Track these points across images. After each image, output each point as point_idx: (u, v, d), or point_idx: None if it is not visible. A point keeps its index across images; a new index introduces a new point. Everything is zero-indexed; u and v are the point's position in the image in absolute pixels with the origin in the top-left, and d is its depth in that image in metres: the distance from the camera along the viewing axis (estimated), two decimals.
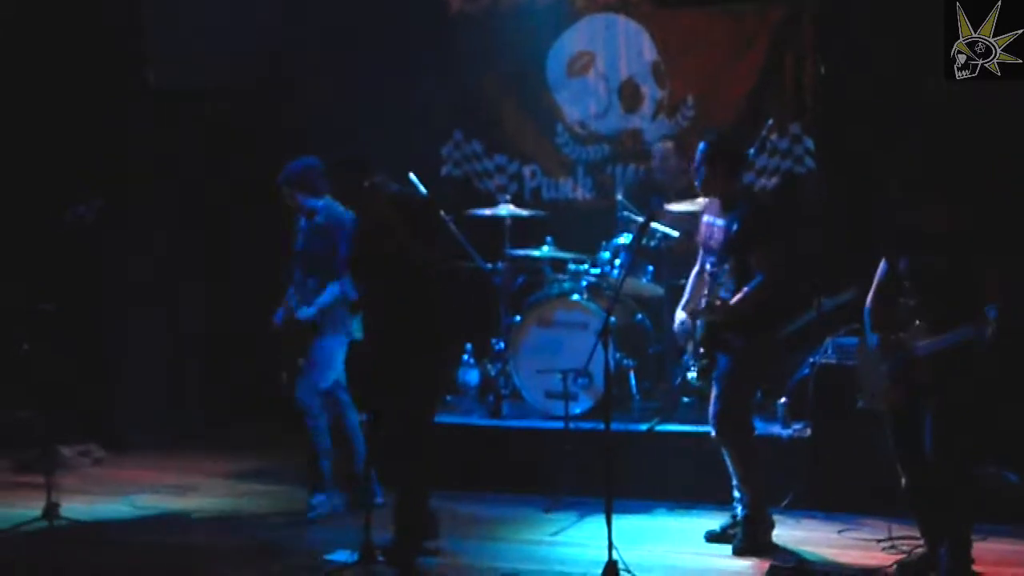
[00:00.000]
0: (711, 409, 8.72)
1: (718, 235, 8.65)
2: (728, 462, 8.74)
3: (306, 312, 9.58)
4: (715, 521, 9.01)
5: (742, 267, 8.53)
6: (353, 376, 9.62)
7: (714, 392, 8.70)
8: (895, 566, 8.21)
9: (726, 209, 8.65)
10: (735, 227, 8.53)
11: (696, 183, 8.81)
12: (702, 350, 8.74)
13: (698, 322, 8.73)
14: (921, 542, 8.25)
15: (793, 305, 10.14)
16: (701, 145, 8.79)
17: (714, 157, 8.65)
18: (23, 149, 11.94)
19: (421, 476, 8.54)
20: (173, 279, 12.89)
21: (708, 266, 8.76)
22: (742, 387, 8.74)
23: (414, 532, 8.49)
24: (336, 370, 9.74)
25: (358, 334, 9.56)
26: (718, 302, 8.51)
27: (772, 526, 8.79)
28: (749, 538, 8.67)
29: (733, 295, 8.51)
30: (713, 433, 8.73)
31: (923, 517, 8.09)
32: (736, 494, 8.85)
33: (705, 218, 8.87)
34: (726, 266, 8.56)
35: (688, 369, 8.91)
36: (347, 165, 8.43)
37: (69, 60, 12.09)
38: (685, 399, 10.70)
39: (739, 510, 8.84)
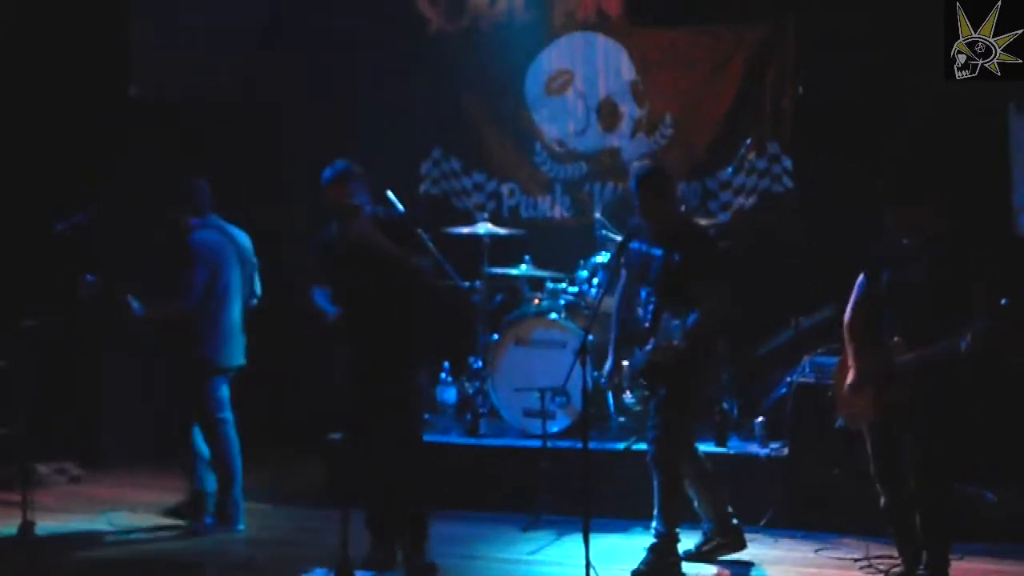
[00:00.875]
0: (649, 435, 8.67)
1: (655, 265, 8.55)
2: (655, 486, 8.68)
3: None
4: (691, 540, 9.00)
5: (681, 300, 8.43)
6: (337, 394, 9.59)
7: (654, 420, 8.65)
8: None
9: (663, 238, 8.54)
10: (676, 259, 8.44)
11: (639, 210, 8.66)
12: (643, 381, 8.73)
13: (635, 351, 8.71)
14: (898, 561, 8.27)
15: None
16: (632, 170, 8.77)
17: (642, 183, 8.57)
18: (2, 160, 11.90)
19: (422, 490, 8.59)
20: (153, 295, 12.83)
21: (641, 296, 8.73)
22: (683, 416, 8.70)
23: (424, 550, 8.59)
24: None
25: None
26: (664, 343, 8.40)
27: (678, 561, 8.73)
28: (651, 566, 8.58)
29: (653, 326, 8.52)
30: (649, 457, 8.69)
31: (902, 535, 8.10)
32: (700, 513, 8.87)
33: (634, 245, 8.68)
34: (662, 298, 8.53)
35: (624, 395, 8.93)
36: (336, 175, 8.45)
37: (58, 70, 12.05)
38: None
39: (707, 527, 8.87)
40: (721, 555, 8.90)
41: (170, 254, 9.94)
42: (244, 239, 10.07)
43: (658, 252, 8.51)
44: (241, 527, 9.81)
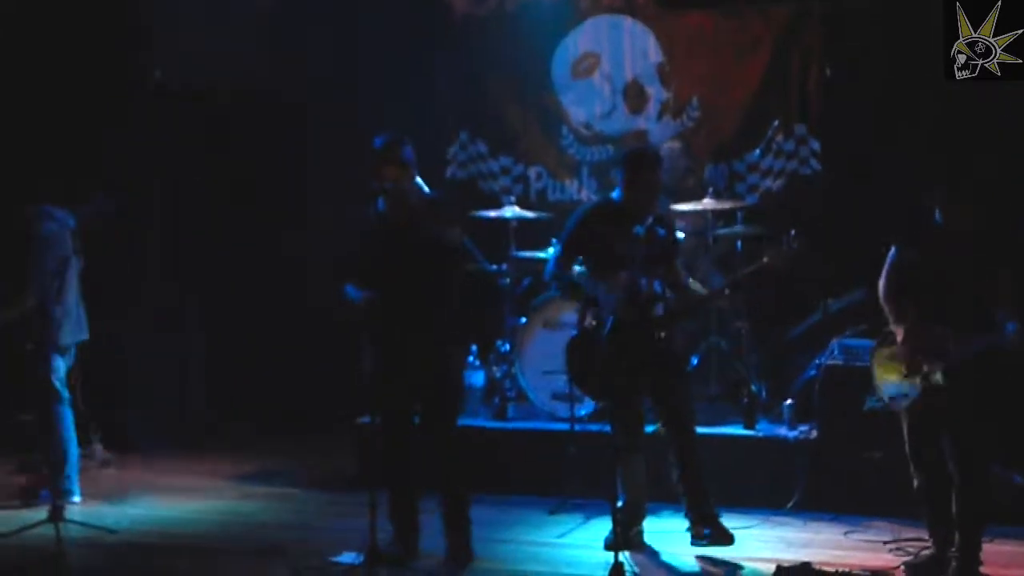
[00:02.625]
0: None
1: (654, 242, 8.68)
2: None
3: None
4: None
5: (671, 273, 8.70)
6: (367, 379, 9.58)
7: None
8: (902, 567, 8.21)
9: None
10: (662, 233, 8.68)
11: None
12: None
13: None
14: (928, 543, 8.25)
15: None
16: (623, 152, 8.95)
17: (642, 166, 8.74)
18: (27, 148, 11.91)
19: (463, 473, 8.59)
20: (178, 281, 12.88)
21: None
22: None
23: (467, 531, 8.58)
24: None
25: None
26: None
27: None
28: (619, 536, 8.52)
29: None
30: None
31: (933, 518, 8.08)
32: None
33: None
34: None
35: None
36: (383, 147, 8.41)
37: (75, 60, 12.07)
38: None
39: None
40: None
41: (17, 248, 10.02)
42: (71, 220, 10.12)
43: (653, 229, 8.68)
44: (76, 499, 10.09)
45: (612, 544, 8.30)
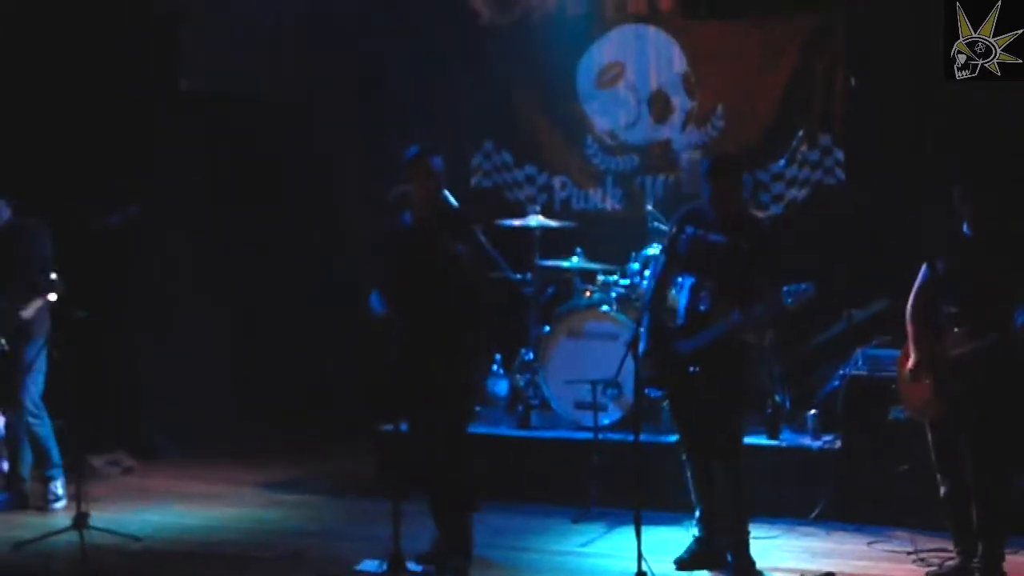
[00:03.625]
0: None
1: (717, 252, 8.38)
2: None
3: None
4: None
5: (739, 288, 8.31)
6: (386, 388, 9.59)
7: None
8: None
9: (728, 226, 8.39)
10: (744, 248, 8.31)
11: (708, 197, 8.47)
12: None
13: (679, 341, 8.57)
14: (952, 554, 8.25)
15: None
16: (705, 161, 8.73)
17: (719, 169, 8.46)
18: (52, 153, 11.95)
19: (465, 485, 8.56)
20: (201, 287, 12.91)
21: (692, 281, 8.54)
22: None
23: (465, 541, 8.50)
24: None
25: None
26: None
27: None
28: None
29: (716, 314, 8.34)
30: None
31: (958, 528, 8.07)
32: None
33: (689, 230, 8.47)
34: (721, 285, 8.37)
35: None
36: (411, 159, 8.45)
37: (100, 64, 12.10)
38: None
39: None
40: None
41: None
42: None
43: (718, 238, 8.38)
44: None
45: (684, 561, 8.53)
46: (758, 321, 8.30)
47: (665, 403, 9.03)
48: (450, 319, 8.29)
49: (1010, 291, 7.67)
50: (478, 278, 8.47)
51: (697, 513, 8.69)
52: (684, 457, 8.71)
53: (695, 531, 8.69)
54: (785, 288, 8.36)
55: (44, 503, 10.24)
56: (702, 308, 8.39)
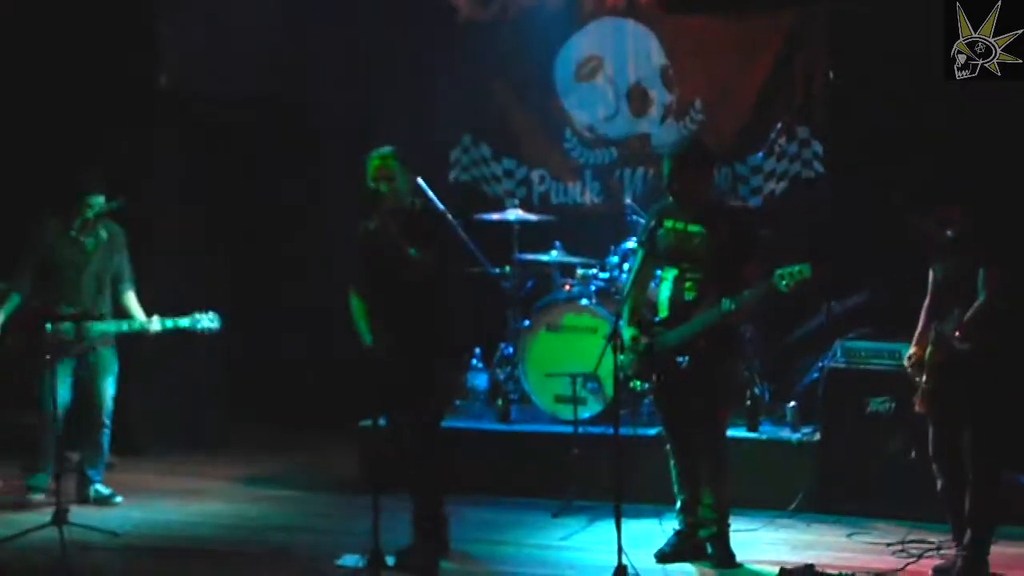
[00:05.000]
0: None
1: (696, 243, 8.38)
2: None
3: None
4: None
5: (725, 274, 8.34)
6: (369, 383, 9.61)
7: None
8: (932, 572, 8.25)
9: (702, 216, 8.38)
10: (723, 237, 8.31)
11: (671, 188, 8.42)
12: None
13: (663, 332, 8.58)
14: (932, 544, 8.40)
15: None
16: (670, 146, 8.74)
17: (684, 158, 8.41)
18: (34, 151, 11.93)
19: (437, 480, 8.56)
20: (185, 283, 12.88)
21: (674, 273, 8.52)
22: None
23: (434, 536, 8.52)
24: None
25: None
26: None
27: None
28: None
29: (700, 304, 8.36)
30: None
31: (956, 518, 8.12)
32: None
33: (669, 223, 8.49)
34: (707, 275, 8.38)
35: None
36: (375, 159, 8.50)
37: (80, 63, 12.08)
38: None
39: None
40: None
41: None
42: None
43: (697, 229, 8.38)
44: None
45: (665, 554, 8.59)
46: (748, 307, 8.32)
47: (648, 397, 9.02)
48: (410, 322, 8.34)
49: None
50: (436, 280, 8.44)
51: (678, 504, 8.71)
52: (668, 448, 8.72)
53: (676, 524, 8.71)
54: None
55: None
56: (687, 299, 8.39)
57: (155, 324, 10.14)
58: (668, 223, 8.46)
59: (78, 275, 10.19)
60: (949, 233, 7.94)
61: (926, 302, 8.23)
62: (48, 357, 9.53)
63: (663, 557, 8.63)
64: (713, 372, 8.40)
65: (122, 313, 10.29)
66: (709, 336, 8.29)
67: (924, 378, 7.99)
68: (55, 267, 10.19)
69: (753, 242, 8.42)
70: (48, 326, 9.61)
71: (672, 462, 8.73)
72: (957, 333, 7.78)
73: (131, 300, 10.36)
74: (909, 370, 8.17)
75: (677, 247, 8.46)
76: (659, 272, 8.72)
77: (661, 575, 8.42)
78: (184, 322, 10.12)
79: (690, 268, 8.41)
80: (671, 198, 8.48)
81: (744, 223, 8.51)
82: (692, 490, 8.65)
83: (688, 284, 8.42)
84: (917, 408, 8.15)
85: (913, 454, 8.93)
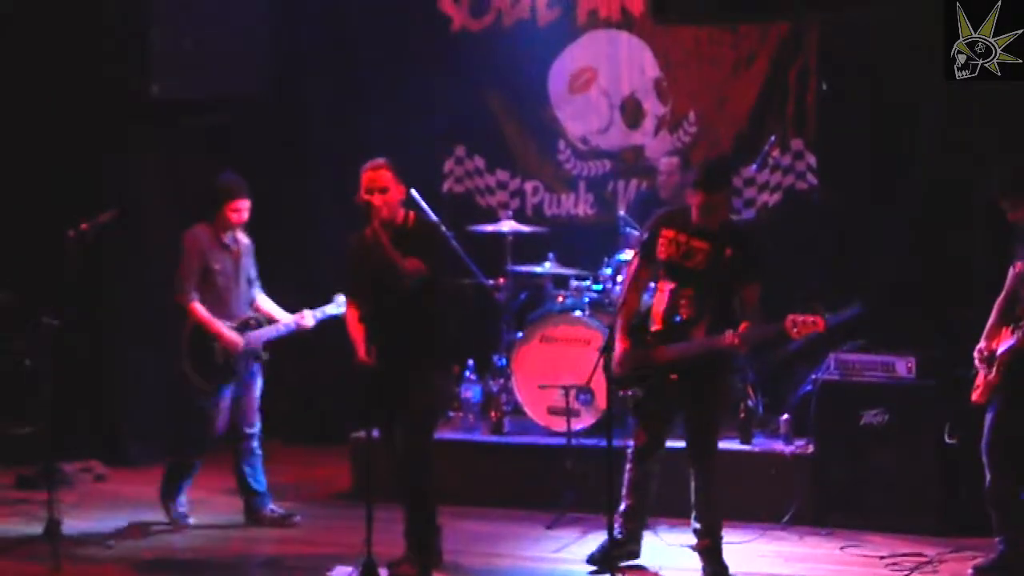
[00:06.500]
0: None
1: (701, 257, 8.35)
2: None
3: None
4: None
5: (727, 294, 8.34)
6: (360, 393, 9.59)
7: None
8: (971, 571, 8.38)
9: (711, 232, 8.34)
10: (729, 254, 8.26)
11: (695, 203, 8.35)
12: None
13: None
14: (927, 557, 8.59)
15: None
16: (696, 171, 8.75)
17: (712, 176, 8.39)
18: (24, 159, 11.91)
19: (430, 491, 8.55)
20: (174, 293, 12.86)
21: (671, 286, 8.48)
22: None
23: (427, 548, 8.51)
24: None
25: None
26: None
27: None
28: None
29: (697, 321, 8.34)
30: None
31: (1003, 514, 8.30)
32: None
33: (670, 233, 8.45)
34: (709, 290, 8.34)
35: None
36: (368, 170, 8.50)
37: (70, 69, 12.05)
38: None
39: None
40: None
41: None
42: None
43: (701, 244, 8.33)
44: None
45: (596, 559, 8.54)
46: (751, 342, 8.32)
47: (633, 404, 8.99)
48: (402, 332, 8.34)
49: None
50: (428, 291, 8.43)
51: (622, 508, 8.64)
52: (630, 454, 8.68)
53: (616, 530, 8.45)
54: (833, 316, 8.47)
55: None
56: (681, 315, 8.36)
57: (308, 319, 10.05)
58: (670, 234, 8.45)
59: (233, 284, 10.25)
60: None
61: (1000, 297, 8.33)
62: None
63: (593, 561, 8.64)
64: (707, 387, 8.39)
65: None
66: (707, 355, 8.29)
67: (993, 372, 8.13)
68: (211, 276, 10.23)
69: (759, 265, 8.39)
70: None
71: (628, 466, 8.67)
72: None
73: (268, 302, 10.35)
74: (977, 363, 8.27)
75: (678, 260, 8.43)
76: (652, 284, 8.70)
77: None
78: (331, 309, 9.98)
79: (688, 283, 8.38)
80: (673, 208, 8.53)
81: (753, 244, 8.48)
82: (643, 499, 8.63)
83: (684, 300, 8.39)
84: (975, 398, 8.27)
85: (955, 440, 9.00)
